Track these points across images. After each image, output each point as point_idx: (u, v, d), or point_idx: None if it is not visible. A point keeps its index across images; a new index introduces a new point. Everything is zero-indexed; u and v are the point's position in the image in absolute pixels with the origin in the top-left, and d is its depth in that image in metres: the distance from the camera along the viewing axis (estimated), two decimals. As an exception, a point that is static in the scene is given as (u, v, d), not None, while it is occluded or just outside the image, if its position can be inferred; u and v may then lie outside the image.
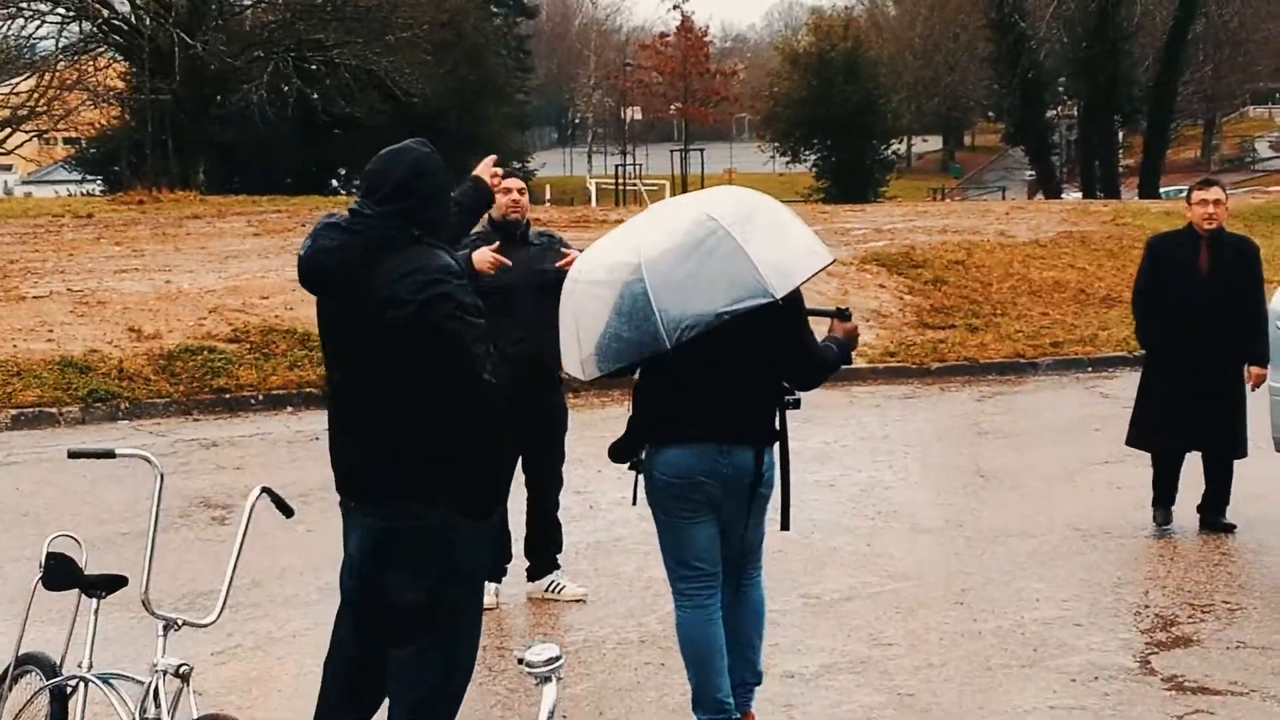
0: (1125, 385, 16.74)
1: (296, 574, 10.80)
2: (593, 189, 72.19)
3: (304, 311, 19.95)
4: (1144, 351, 12.25)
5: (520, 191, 9.70)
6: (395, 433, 6.18)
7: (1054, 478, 14.00)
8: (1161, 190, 54.37)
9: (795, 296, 7.07)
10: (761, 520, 7.63)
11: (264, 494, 6.16)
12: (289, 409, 17.85)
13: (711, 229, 6.98)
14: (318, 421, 16.79)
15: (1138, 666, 8.82)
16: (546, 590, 10.10)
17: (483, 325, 6.07)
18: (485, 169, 7.58)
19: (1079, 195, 55.36)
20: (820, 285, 22.24)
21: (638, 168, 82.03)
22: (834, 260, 7.44)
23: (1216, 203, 11.53)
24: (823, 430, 16.39)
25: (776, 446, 7.47)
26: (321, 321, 6.39)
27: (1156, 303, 11.57)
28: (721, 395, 7.21)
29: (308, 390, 18.07)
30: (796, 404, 7.55)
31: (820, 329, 7.50)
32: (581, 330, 7.21)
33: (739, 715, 7.57)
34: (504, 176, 8.23)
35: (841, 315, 7.61)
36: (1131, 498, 12.66)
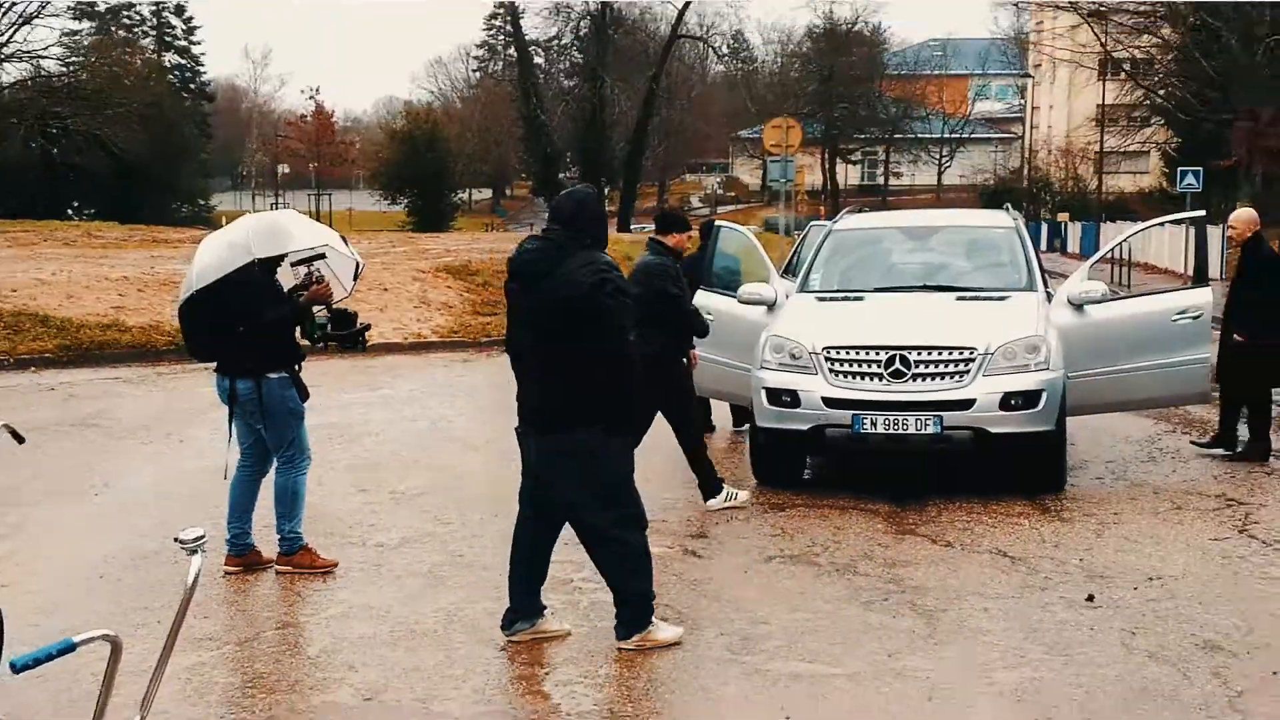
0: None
1: (31, 483, 10.67)
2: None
3: (45, 300, 20.29)
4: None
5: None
6: (559, 377, 6.52)
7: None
8: (632, 227, 56.41)
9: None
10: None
11: (3, 428, 6.07)
12: (32, 369, 17.86)
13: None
14: (52, 378, 17.15)
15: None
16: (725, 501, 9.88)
17: (632, 305, 6.53)
18: None
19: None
20: (407, 287, 23.00)
21: (287, 205, 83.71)
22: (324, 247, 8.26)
23: None
24: (408, 382, 16.74)
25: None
26: (511, 301, 6.73)
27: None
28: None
29: (45, 355, 18.36)
30: None
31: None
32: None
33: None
34: None
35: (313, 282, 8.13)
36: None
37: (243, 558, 8.24)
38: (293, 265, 8.20)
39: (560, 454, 6.59)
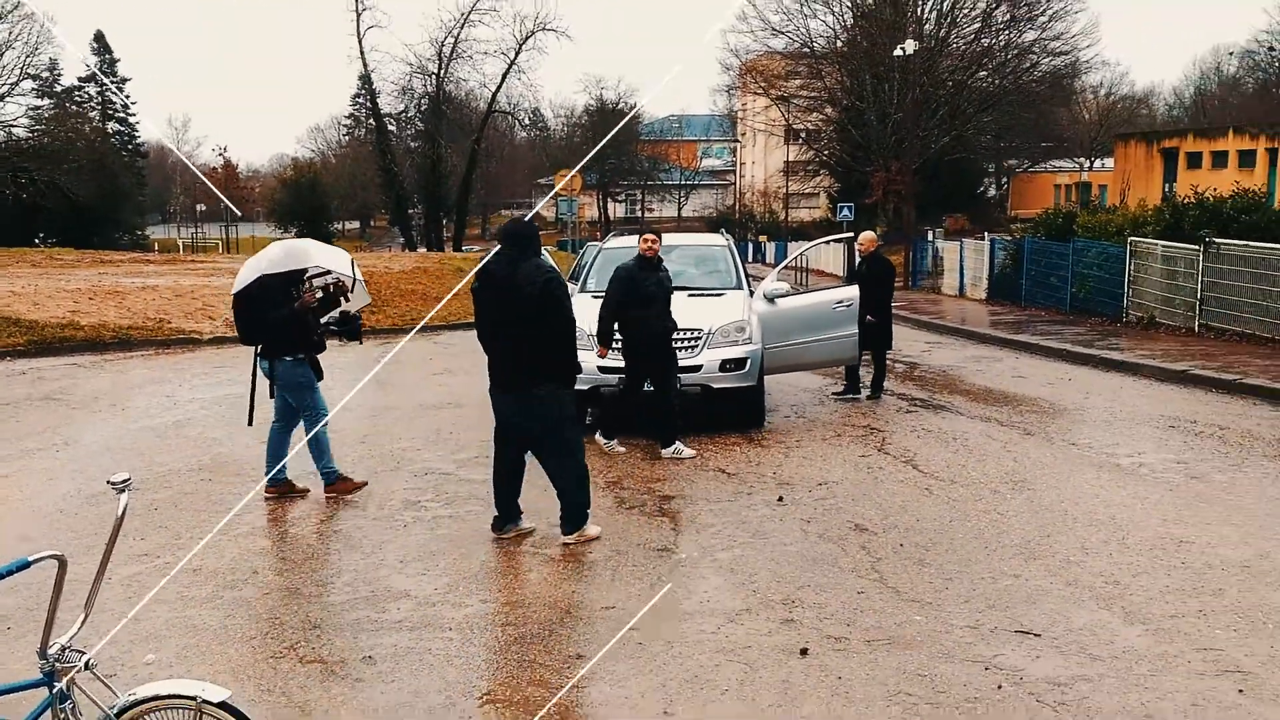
0: (454, 338, 17.36)
1: (8, 443, 10.17)
2: (181, 246, 70.35)
3: (17, 307, 19.04)
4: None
5: (654, 241, 9.21)
6: (524, 351, 6.44)
7: (417, 381, 13.98)
8: (463, 248, 55.39)
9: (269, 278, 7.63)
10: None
11: None
12: (6, 359, 16.60)
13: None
14: (23, 365, 15.97)
15: (456, 470, 8.85)
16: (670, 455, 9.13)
17: (568, 294, 6.46)
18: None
19: (425, 249, 55.62)
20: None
21: (205, 235, 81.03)
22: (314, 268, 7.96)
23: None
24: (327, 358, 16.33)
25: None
26: (481, 299, 6.58)
27: None
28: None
29: (18, 348, 17.01)
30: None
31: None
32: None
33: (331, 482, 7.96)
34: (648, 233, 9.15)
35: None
36: (457, 389, 12.76)
37: (277, 486, 7.99)
38: (310, 278, 7.97)
39: (529, 403, 6.53)
